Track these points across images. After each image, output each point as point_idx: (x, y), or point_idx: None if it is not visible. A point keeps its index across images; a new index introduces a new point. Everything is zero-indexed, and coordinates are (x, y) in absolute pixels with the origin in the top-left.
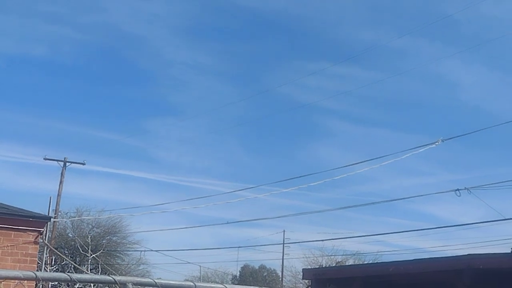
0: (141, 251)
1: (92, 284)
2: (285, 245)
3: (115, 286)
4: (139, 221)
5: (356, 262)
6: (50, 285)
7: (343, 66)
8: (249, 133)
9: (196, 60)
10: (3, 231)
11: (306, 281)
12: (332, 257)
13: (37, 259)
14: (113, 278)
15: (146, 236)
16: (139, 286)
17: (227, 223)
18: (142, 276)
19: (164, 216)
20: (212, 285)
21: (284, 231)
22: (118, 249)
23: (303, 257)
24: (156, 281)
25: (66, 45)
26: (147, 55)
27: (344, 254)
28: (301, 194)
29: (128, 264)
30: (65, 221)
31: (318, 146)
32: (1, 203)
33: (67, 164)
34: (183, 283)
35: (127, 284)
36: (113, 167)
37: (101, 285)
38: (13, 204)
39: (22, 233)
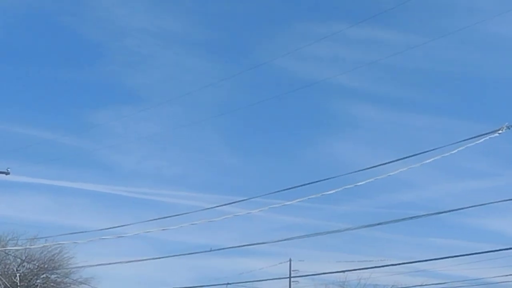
0: None
1: None
2: (292, 279)
3: None
4: (86, 251)
5: None
6: None
7: (365, 27)
8: (236, 126)
9: (160, 26)
10: None
11: None
12: None
13: None
14: None
15: (98, 271)
16: None
17: (211, 250)
18: None
19: (122, 244)
20: None
21: (290, 260)
22: None
23: None
24: None
25: None
26: (92, 21)
27: None
28: (312, 208)
29: None
30: None
31: (334, 140)
32: None
33: None
34: None
35: None
36: (48, 177)
37: None
38: None
39: None
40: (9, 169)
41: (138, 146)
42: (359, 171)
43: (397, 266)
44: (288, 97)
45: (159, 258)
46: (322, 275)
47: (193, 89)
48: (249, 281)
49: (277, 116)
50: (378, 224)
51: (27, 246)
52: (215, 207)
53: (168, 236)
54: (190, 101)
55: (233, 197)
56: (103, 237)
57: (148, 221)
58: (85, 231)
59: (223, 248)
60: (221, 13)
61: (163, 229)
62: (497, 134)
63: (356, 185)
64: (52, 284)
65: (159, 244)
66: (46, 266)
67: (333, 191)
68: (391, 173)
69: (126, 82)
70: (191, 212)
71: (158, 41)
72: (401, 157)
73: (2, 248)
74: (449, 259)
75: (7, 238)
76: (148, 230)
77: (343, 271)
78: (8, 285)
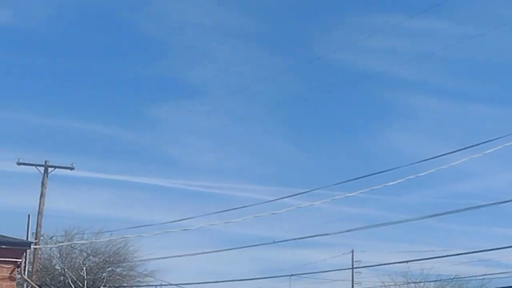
0: (157, 285)
1: None
2: (354, 270)
3: None
4: (151, 244)
5: None
6: None
7: (421, 19)
8: (295, 118)
9: (218, 20)
10: None
11: None
12: (421, 284)
13: None
14: None
15: (162, 264)
16: None
17: (274, 242)
18: None
19: (185, 237)
20: None
21: (352, 251)
22: (125, 285)
23: (381, 286)
24: None
25: (38, 9)
26: (151, 18)
27: (438, 279)
28: (374, 199)
29: None
30: (51, 248)
31: (394, 132)
32: None
33: (49, 169)
34: None
35: None
36: (111, 172)
37: None
38: None
39: None
40: (73, 165)
41: (198, 140)
42: (420, 161)
43: (460, 256)
44: (346, 90)
45: (223, 250)
46: (385, 265)
47: (252, 82)
48: (312, 272)
49: (336, 109)
50: (440, 214)
51: (93, 240)
52: (277, 199)
53: (231, 228)
54: (248, 95)
55: (294, 189)
56: (167, 231)
57: (212, 214)
58: (149, 225)
59: (285, 240)
60: (278, 7)
61: (226, 222)
62: None
63: (417, 176)
64: (117, 277)
65: (222, 237)
66: (111, 259)
67: (395, 182)
68: (452, 164)
69: (185, 76)
70: (254, 205)
71: (216, 35)
72: (462, 147)
73: (69, 242)
74: None
75: (73, 233)
76: (212, 223)
77: (406, 262)
78: (75, 279)
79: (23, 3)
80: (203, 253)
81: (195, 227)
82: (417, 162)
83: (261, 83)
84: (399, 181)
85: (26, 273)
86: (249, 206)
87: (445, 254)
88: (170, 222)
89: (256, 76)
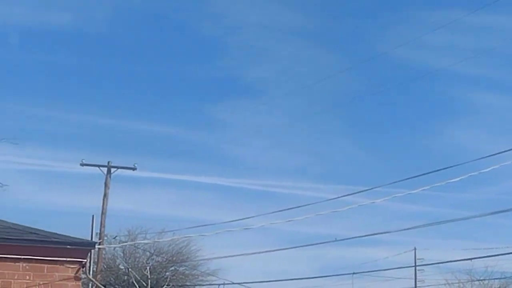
0: (219, 284)
1: None
2: (417, 268)
3: None
4: (212, 244)
5: None
6: None
7: (480, 14)
8: (355, 116)
9: (276, 19)
10: (32, 264)
11: None
12: (486, 282)
13: None
14: None
15: (224, 263)
16: None
17: (335, 240)
18: None
19: (247, 236)
20: None
21: (415, 248)
22: (188, 284)
23: (445, 284)
24: None
25: (98, 11)
26: (209, 18)
27: (503, 277)
28: (436, 196)
29: None
30: (114, 248)
31: (455, 128)
32: (28, 227)
33: (112, 170)
34: None
35: None
36: (173, 172)
37: None
38: (42, 227)
39: (58, 266)
40: (136, 165)
41: (258, 139)
42: (483, 158)
43: None
44: (406, 87)
45: (284, 249)
46: (448, 263)
47: (311, 81)
48: (374, 270)
49: (396, 106)
50: (504, 211)
51: (156, 240)
52: (338, 197)
53: (292, 227)
54: (308, 93)
55: (355, 187)
56: (229, 230)
57: (273, 212)
58: (211, 224)
59: (347, 238)
60: (336, 4)
61: (288, 221)
62: None
63: (480, 172)
64: (180, 276)
65: (283, 236)
66: (174, 258)
67: (458, 178)
68: None
69: (244, 76)
70: (315, 203)
71: (274, 34)
72: None
73: (132, 242)
74: None
75: (136, 232)
76: (273, 222)
77: (470, 259)
78: (139, 278)
79: (83, 6)
80: (265, 252)
81: (256, 226)
82: (479, 159)
83: (321, 81)
84: (461, 178)
85: (91, 273)
86: (310, 204)
87: (509, 251)
88: (232, 221)
89: (315, 75)
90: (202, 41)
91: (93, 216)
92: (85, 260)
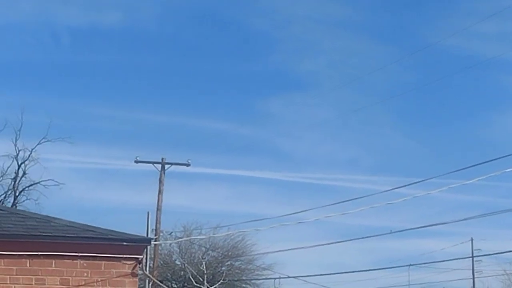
0: (275, 278)
1: None
2: (474, 259)
3: None
4: (267, 238)
5: None
6: None
7: None
8: (408, 108)
9: (324, 12)
10: (90, 261)
11: None
12: None
13: None
14: None
15: (280, 258)
16: None
17: (391, 232)
18: None
19: (301, 229)
20: None
21: (471, 239)
22: (244, 278)
23: (503, 274)
24: None
25: (147, 9)
26: (257, 13)
27: None
28: (492, 186)
29: None
30: (170, 244)
31: (509, 118)
32: (84, 225)
33: (166, 166)
34: None
35: None
36: (226, 167)
37: None
38: (98, 224)
39: (115, 262)
40: (189, 161)
41: (310, 132)
42: None
43: None
44: (459, 77)
45: (339, 242)
46: (506, 253)
47: (362, 73)
48: (430, 262)
49: (449, 96)
50: None
51: (211, 235)
52: (392, 189)
53: (346, 220)
54: (359, 86)
55: (409, 178)
56: (284, 223)
57: (327, 206)
58: (265, 218)
59: (402, 230)
60: None
61: (342, 214)
62: None
63: None
64: (236, 271)
65: (338, 229)
66: (230, 253)
67: None
68: None
69: (294, 69)
70: (369, 196)
71: (323, 27)
72: None
73: (187, 238)
74: None
75: (191, 228)
76: (328, 215)
77: None
78: (195, 273)
79: (133, 4)
80: (320, 245)
81: (311, 219)
82: None
83: (372, 73)
84: None
85: (147, 269)
86: (364, 197)
87: None
88: (286, 215)
89: (366, 67)
90: (252, 37)
91: (148, 212)
92: (142, 257)
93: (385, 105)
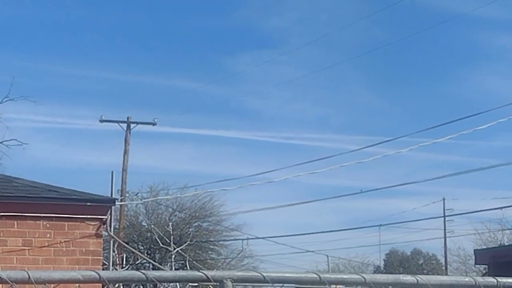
0: (244, 239)
1: (178, 286)
2: (446, 218)
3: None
4: (236, 198)
5: None
6: None
7: None
8: (378, 65)
9: None
10: (53, 222)
11: (481, 267)
12: None
13: (102, 258)
14: (204, 274)
15: (248, 218)
16: (242, 284)
17: (361, 192)
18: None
19: (270, 190)
20: (345, 275)
21: (443, 199)
22: (212, 239)
23: (475, 234)
24: (265, 274)
25: None
26: None
27: None
28: (464, 145)
29: (226, 258)
30: (136, 205)
31: (482, 74)
32: (47, 185)
33: (132, 126)
34: (304, 275)
35: (225, 281)
36: (193, 127)
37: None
38: (62, 185)
39: (79, 223)
40: (155, 120)
41: (279, 91)
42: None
43: None
44: (430, 33)
45: (309, 202)
46: (478, 213)
47: (331, 30)
48: (401, 222)
49: (421, 53)
50: None
51: (178, 195)
52: (362, 148)
53: (316, 180)
54: (328, 43)
55: (379, 137)
56: (252, 183)
57: (296, 165)
58: (233, 178)
59: (373, 190)
60: None
61: (311, 173)
62: None
63: (510, 118)
64: (204, 232)
65: (307, 189)
66: (197, 214)
67: (486, 126)
68: None
69: (262, 26)
70: (339, 155)
71: None
72: None
73: (154, 198)
74: None
75: (158, 189)
76: (296, 175)
77: (500, 208)
78: (162, 235)
79: None
80: (289, 205)
81: (279, 179)
82: (508, 104)
83: (341, 30)
84: (489, 125)
85: (112, 230)
86: (333, 156)
87: None
88: (254, 175)
89: (335, 23)
90: None
91: (112, 172)
92: (106, 217)
93: (355, 63)
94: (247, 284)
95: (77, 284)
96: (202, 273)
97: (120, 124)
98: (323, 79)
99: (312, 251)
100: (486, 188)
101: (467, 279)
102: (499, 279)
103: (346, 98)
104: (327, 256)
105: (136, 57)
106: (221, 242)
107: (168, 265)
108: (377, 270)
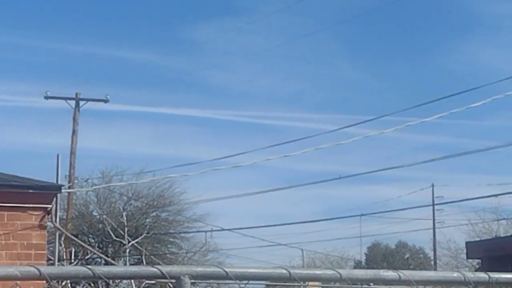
0: (207, 231)
1: (133, 283)
2: (435, 207)
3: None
4: (199, 185)
5: None
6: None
7: None
8: (360, 35)
9: None
10: None
11: (474, 261)
12: None
13: (46, 252)
14: (159, 269)
15: (213, 207)
16: (205, 282)
17: (340, 178)
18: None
19: (237, 175)
20: (318, 271)
21: (432, 185)
22: (172, 231)
23: (467, 224)
24: (227, 270)
25: None
26: None
27: None
28: (455, 124)
29: (188, 253)
30: (86, 193)
31: (475, 46)
32: None
33: (81, 103)
34: (272, 271)
35: (182, 277)
36: (149, 104)
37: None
38: (1, 170)
39: (20, 213)
40: (108, 97)
41: (246, 64)
42: (508, 78)
43: None
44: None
45: (282, 189)
46: (471, 201)
47: None
48: (385, 211)
49: (407, 22)
50: None
51: (134, 182)
52: (341, 128)
53: (289, 164)
54: (302, 9)
55: (361, 116)
56: (216, 168)
57: (266, 148)
58: (197, 162)
59: (353, 175)
60: None
61: (284, 156)
62: None
63: (506, 95)
64: (163, 223)
65: (280, 174)
66: (155, 203)
67: (479, 103)
68: None
69: None
70: (315, 136)
71: None
72: None
73: (106, 185)
74: None
75: (111, 174)
76: (267, 158)
77: (496, 195)
78: (115, 226)
79: None
80: (258, 193)
81: (247, 163)
82: (504, 79)
83: None
84: (484, 102)
85: (58, 220)
86: (309, 137)
87: None
88: (220, 158)
89: None
90: None
91: (58, 155)
92: (51, 206)
93: (334, 32)
94: (210, 281)
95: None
96: (157, 268)
97: (68, 101)
98: (297, 50)
99: (285, 245)
100: (480, 173)
101: (455, 275)
102: (492, 274)
103: (323, 72)
104: (302, 250)
105: (86, 26)
106: (182, 235)
107: (122, 260)
108: (358, 265)
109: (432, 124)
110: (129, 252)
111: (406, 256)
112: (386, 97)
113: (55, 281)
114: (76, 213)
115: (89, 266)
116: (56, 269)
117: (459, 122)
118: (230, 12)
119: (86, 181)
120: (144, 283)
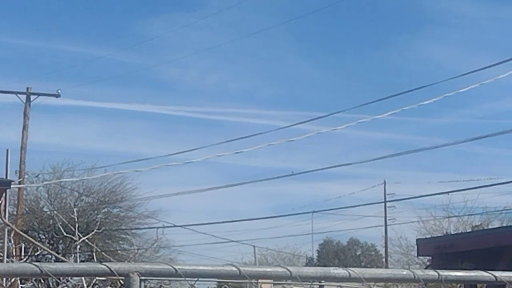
0: (159, 228)
1: (84, 280)
2: (387, 204)
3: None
4: (151, 181)
5: (504, 224)
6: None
7: None
8: (313, 31)
9: None
10: None
11: (425, 258)
12: (465, 218)
13: None
14: (107, 267)
15: (165, 204)
16: (157, 279)
17: (292, 174)
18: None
19: (189, 171)
20: (268, 269)
21: (384, 182)
22: (123, 227)
23: (418, 221)
24: (177, 267)
25: None
26: None
27: (485, 212)
28: (406, 122)
29: (139, 249)
30: (37, 188)
31: (427, 43)
32: None
33: (32, 97)
34: (221, 268)
35: (131, 275)
36: (100, 99)
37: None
38: None
39: None
40: (59, 92)
41: (198, 59)
42: (459, 76)
43: (509, 184)
44: None
45: (233, 185)
46: (422, 198)
47: None
48: (337, 208)
49: (358, 19)
50: (483, 137)
51: (85, 177)
52: (293, 125)
53: (241, 160)
54: (255, 6)
55: (313, 113)
56: (168, 164)
57: (218, 144)
58: (149, 158)
59: (305, 172)
60: None
61: (236, 153)
62: None
63: (457, 93)
64: (114, 219)
65: (231, 170)
66: (106, 199)
67: (431, 100)
68: (498, 77)
69: None
70: (266, 132)
71: None
72: (507, 58)
73: (57, 181)
74: None
75: (62, 170)
76: (219, 154)
77: (447, 193)
78: (66, 222)
79: None
80: (210, 189)
81: (199, 159)
82: (455, 77)
83: None
84: (435, 99)
85: (7, 216)
86: (261, 134)
87: (491, 183)
88: (171, 154)
89: None
90: None
91: (7, 150)
92: (0, 202)
93: (286, 28)
94: (161, 278)
95: None
96: (105, 266)
97: (19, 95)
98: (249, 46)
99: (237, 241)
100: (431, 171)
101: (405, 273)
102: (441, 272)
103: (275, 68)
104: (254, 246)
105: (37, 19)
106: (133, 231)
107: (73, 256)
108: (309, 262)
109: (384, 121)
110: (80, 249)
111: (358, 253)
112: (338, 94)
113: (2, 278)
114: (27, 209)
115: (36, 263)
116: (2, 266)
117: (411, 119)
118: (182, 8)
119: (36, 176)
120: (94, 279)
